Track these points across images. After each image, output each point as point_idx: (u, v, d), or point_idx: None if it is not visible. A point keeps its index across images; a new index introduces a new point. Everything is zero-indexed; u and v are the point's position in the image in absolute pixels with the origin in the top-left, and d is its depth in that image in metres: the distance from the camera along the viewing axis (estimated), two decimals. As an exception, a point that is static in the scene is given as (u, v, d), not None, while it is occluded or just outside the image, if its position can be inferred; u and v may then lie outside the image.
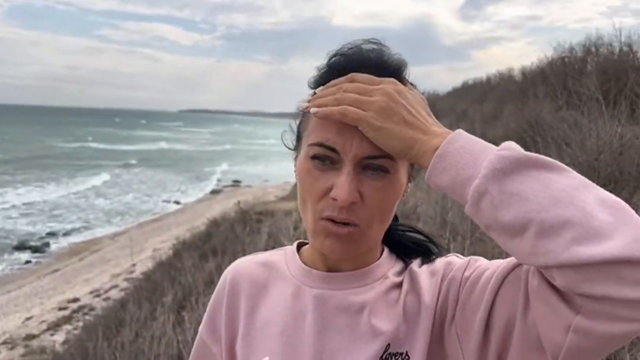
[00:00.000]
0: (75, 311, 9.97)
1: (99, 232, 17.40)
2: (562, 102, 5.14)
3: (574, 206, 0.52)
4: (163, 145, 58.06)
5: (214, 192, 25.07)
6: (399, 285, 0.76)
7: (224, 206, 13.95)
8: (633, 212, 0.53)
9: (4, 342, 8.64)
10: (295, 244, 0.85)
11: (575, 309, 0.54)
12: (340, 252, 0.70)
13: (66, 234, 17.15)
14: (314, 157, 0.69)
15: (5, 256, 14.40)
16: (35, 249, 14.98)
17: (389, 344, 0.71)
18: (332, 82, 0.70)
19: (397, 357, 0.70)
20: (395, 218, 0.86)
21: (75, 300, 10.56)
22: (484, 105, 14.67)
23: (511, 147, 0.58)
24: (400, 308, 0.73)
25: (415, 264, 0.78)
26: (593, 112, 4.11)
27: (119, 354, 4.44)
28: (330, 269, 0.77)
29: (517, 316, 0.61)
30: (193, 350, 0.87)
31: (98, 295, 10.60)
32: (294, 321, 0.75)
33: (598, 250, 0.50)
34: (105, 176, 30.13)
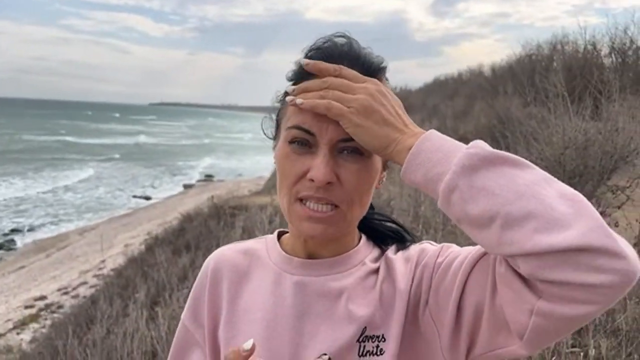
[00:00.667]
0: (42, 309, 9.66)
1: (66, 228, 16.92)
2: (530, 98, 5.29)
3: (536, 199, 0.57)
4: (142, 139, 56.67)
5: (187, 186, 24.70)
6: (376, 271, 0.80)
7: (196, 201, 13.77)
8: (590, 204, 0.59)
9: (-32, 342, 8.32)
10: (275, 233, 0.88)
11: (537, 293, 0.59)
12: (321, 234, 0.73)
13: (32, 229, 16.63)
14: (292, 141, 0.72)
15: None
16: (-1, 246, 14.47)
17: (365, 328, 0.75)
18: (320, 65, 0.72)
19: (373, 340, 0.75)
20: (372, 207, 0.90)
21: (42, 298, 10.23)
22: (455, 101, 14.95)
23: (479, 145, 0.63)
24: (377, 293, 0.77)
25: (390, 251, 0.83)
26: (559, 108, 4.24)
27: (90, 351, 4.35)
28: (309, 256, 0.80)
29: (486, 300, 0.66)
30: (176, 337, 0.89)
31: (66, 293, 10.30)
32: (275, 307, 0.79)
33: (558, 239, 0.55)
34: (89, 171, 29.37)
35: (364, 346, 0.74)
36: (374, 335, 0.75)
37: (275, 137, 0.79)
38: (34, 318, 9.27)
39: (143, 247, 8.56)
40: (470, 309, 0.69)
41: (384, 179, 0.82)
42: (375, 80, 0.72)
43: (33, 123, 76.14)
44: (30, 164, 30.94)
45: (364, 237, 0.85)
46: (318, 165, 0.69)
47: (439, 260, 0.76)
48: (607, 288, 0.55)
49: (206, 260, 0.89)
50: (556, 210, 0.56)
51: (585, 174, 3.95)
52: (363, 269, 0.80)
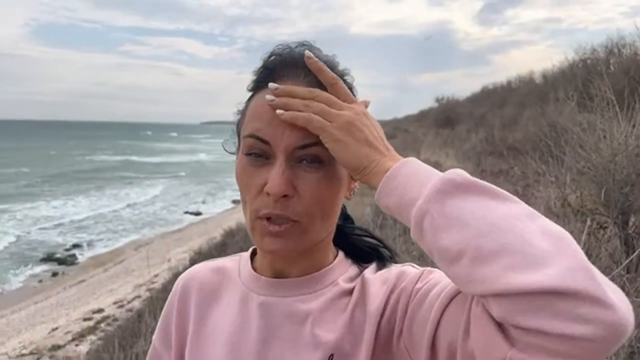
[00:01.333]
0: (99, 322, 10.11)
1: (123, 243, 17.71)
2: (577, 104, 5.01)
3: (513, 233, 0.51)
4: (203, 157, 58.83)
5: (235, 202, 25.26)
6: (350, 292, 0.74)
7: (242, 216, 14.05)
8: (574, 242, 0.51)
9: (31, 353, 8.82)
10: (250, 250, 0.84)
11: (510, 341, 0.52)
12: (281, 250, 0.69)
13: (91, 245, 17.54)
14: (248, 154, 0.69)
15: (36, 268, 14.81)
16: (62, 261, 15.34)
17: (332, 355, 0.69)
18: (321, 66, 0.69)
19: None
20: (352, 222, 0.85)
21: (100, 310, 10.71)
22: (504, 110, 14.45)
23: (458, 172, 0.58)
24: (347, 317, 0.71)
25: (369, 271, 0.77)
26: (607, 113, 3.98)
27: (134, 364, 4.49)
28: (277, 275, 0.76)
29: (458, 341, 0.60)
30: (147, 356, 0.87)
31: (121, 306, 10.73)
32: (240, 329, 0.75)
33: (533, 279, 0.48)
34: (160, 188, 31.26)
35: None
36: None
37: (238, 150, 0.76)
38: (91, 330, 9.70)
39: (187, 262, 8.79)
40: (444, 347, 0.62)
41: (356, 189, 0.76)
42: (364, 102, 0.70)
43: (99, 144, 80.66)
44: (92, 182, 32.81)
45: (341, 254, 0.79)
46: (273, 177, 0.65)
47: (418, 286, 0.69)
48: (589, 341, 0.47)
49: (177, 279, 0.86)
50: (534, 246, 0.50)
51: (637, 183, 3.66)
52: (334, 290, 0.74)
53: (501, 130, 10.92)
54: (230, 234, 8.53)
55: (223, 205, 24.73)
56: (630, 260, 3.35)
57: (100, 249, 17.03)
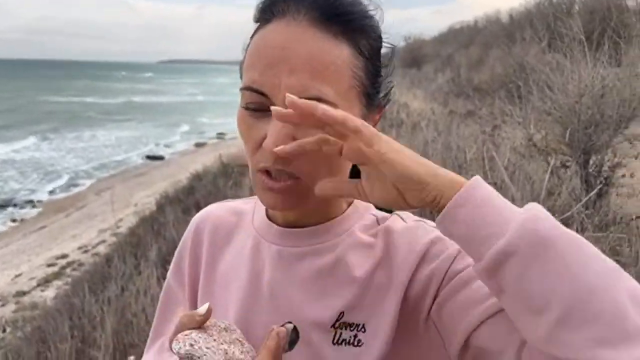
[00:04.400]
0: (64, 267, 10.00)
1: (83, 188, 17.23)
2: (545, 44, 5.01)
3: (609, 300, 0.47)
4: (200, 98, 57.14)
5: (198, 145, 24.77)
6: (369, 246, 0.70)
7: (208, 159, 13.84)
8: None
9: (-5, 299, 8.70)
10: None
11: None
12: (281, 206, 0.65)
13: (51, 191, 16.99)
14: (247, 106, 0.63)
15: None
16: (20, 206, 14.85)
17: (342, 313, 0.66)
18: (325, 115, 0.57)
19: (352, 328, 0.66)
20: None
21: (64, 256, 10.57)
22: (470, 50, 14.42)
23: (540, 214, 0.51)
24: (366, 274, 0.67)
25: (392, 220, 0.72)
26: (575, 54, 4.02)
27: (106, 308, 4.49)
28: (288, 224, 0.72)
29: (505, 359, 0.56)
30: (162, 293, 0.85)
31: (86, 251, 10.61)
32: (253, 277, 0.72)
33: (622, 357, 0.45)
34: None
35: (340, 333, 0.66)
36: (352, 323, 0.66)
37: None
38: (56, 276, 9.59)
39: (154, 206, 8.68)
40: (477, 348, 0.59)
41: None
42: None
43: (87, 85, 75.39)
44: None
45: (356, 201, 0.74)
46: (271, 132, 0.60)
47: (457, 266, 0.63)
48: None
49: (193, 218, 0.83)
50: (628, 319, 0.46)
51: (601, 123, 3.77)
52: (349, 241, 0.69)
53: (468, 71, 10.94)
54: (197, 178, 8.41)
55: (184, 148, 24.24)
56: (589, 198, 3.52)
57: (60, 194, 16.54)
